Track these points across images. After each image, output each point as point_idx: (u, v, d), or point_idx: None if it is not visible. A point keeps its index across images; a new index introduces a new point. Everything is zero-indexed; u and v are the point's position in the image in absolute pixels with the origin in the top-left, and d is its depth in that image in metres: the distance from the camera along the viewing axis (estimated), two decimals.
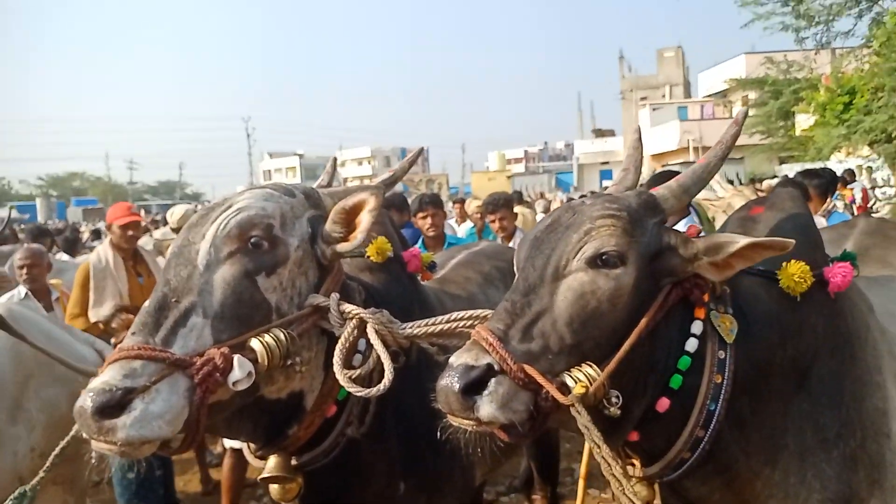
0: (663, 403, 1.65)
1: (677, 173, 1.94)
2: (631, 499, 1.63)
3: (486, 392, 1.47)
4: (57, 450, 1.83)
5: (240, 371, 1.62)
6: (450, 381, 1.49)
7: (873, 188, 13.05)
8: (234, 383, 1.62)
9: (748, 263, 1.62)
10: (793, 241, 1.57)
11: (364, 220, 1.88)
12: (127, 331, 1.68)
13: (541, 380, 1.47)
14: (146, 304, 1.70)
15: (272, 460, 1.95)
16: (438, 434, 2.15)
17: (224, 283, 1.71)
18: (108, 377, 1.52)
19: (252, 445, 2.03)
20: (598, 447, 1.54)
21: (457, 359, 1.53)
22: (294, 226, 1.86)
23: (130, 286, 4.77)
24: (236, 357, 1.63)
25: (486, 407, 1.46)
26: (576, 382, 1.49)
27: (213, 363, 1.59)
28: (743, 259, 1.60)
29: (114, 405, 1.47)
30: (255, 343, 1.69)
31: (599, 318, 1.56)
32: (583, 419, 1.50)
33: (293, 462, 1.98)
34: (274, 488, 1.97)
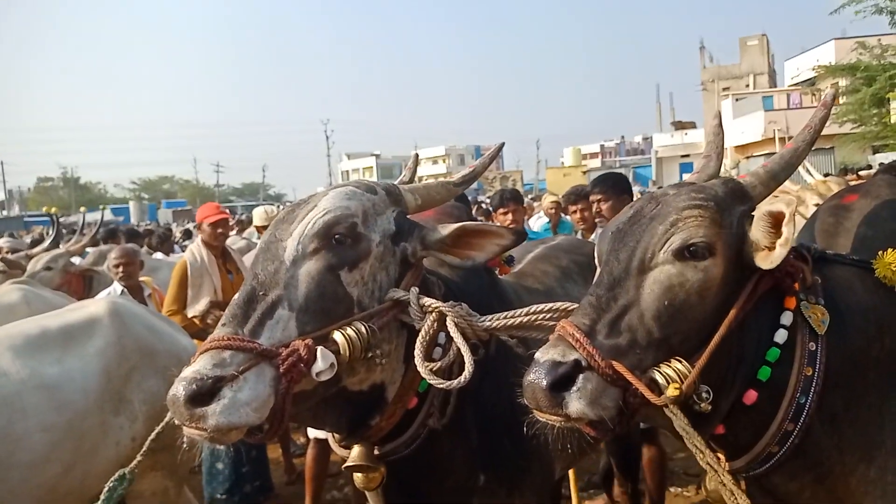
0: (751, 396, 1.61)
1: None
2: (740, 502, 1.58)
3: (574, 388, 1.45)
4: (153, 435, 1.92)
5: (322, 362, 1.67)
6: (537, 377, 1.47)
7: None
8: (317, 374, 1.67)
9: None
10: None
11: (490, 249, 1.97)
12: None
13: (630, 378, 1.45)
14: (235, 296, 1.78)
15: (356, 450, 2.00)
16: (520, 427, 2.17)
17: (309, 277, 1.77)
18: (199, 366, 1.58)
19: (336, 435, 2.09)
20: (702, 452, 1.52)
21: (543, 354, 1.51)
22: (376, 222, 1.91)
23: (222, 283, 4.98)
24: (319, 349, 1.68)
25: (575, 403, 1.44)
26: (665, 379, 1.47)
27: (297, 354, 1.64)
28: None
29: (204, 393, 1.54)
30: (337, 335, 1.74)
31: (688, 311, 1.53)
32: (680, 421, 1.48)
33: (376, 452, 2.02)
34: (357, 477, 2.01)
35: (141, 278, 5.32)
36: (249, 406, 1.57)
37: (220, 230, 5.10)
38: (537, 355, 1.53)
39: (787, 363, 1.61)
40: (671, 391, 1.45)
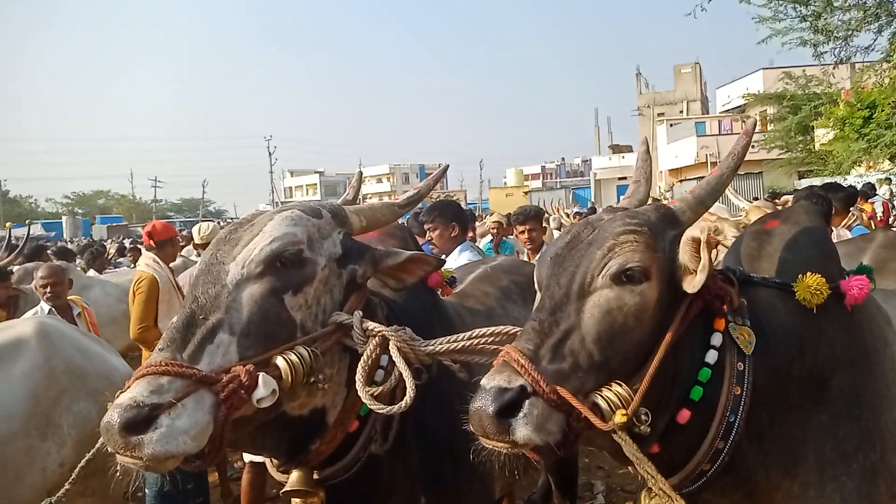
0: (684, 415, 1.65)
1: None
2: None
3: (520, 415, 1.46)
4: (83, 462, 1.87)
5: (264, 389, 1.65)
6: (483, 404, 1.48)
7: (891, 199, 12.86)
8: (258, 401, 1.64)
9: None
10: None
11: (417, 273, 2.07)
12: None
13: (576, 404, 1.47)
14: (174, 319, 1.73)
15: (295, 474, 1.97)
16: (460, 450, 2.18)
17: (251, 300, 1.74)
18: (136, 392, 1.54)
19: (275, 460, 2.05)
20: (653, 478, 1.56)
21: (489, 381, 1.52)
22: (322, 245, 1.90)
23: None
24: (261, 375, 1.65)
25: (522, 429, 1.45)
26: (608, 403, 1.50)
27: (238, 380, 1.61)
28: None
29: (140, 421, 1.49)
30: (279, 361, 1.71)
31: (626, 333, 1.57)
32: (629, 447, 1.51)
33: (315, 476, 1.99)
34: (296, 502, 1.98)
35: (70, 297, 5.14)
36: (187, 434, 1.53)
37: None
38: (483, 382, 1.53)
39: (718, 382, 1.67)
40: (619, 417, 1.48)
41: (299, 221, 1.90)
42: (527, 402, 1.47)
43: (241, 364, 1.66)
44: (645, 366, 1.56)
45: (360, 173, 2.76)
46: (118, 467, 1.57)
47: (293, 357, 1.72)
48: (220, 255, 1.83)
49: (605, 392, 1.52)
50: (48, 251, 10.07)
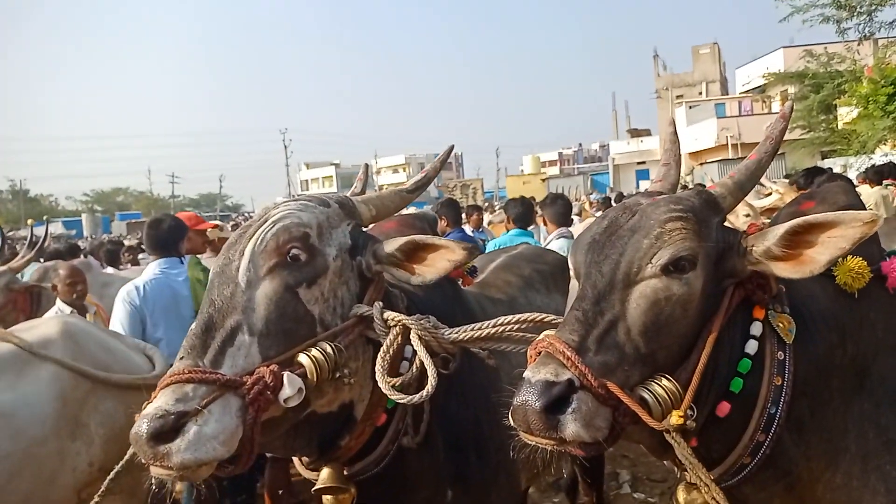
0: (724, 408, 1.60)
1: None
2: None
3: (569, 410, 1.39)
4: (112, 474, 1.86)
5: (290, 388, 1.62)
6: (530, 399, 1.40)
7: None
8: (285, 400, 1.62)
9: (832, 252, 1.50)
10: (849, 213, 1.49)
11: (440, 266, 1.87)
12: None
13: (626, 399, 1.41)
14: (193, 326, 1.71)
15: (325, 471, 1.95)
16: (486, 441, 2.14)
17: (266, 298, 1.72)
18: (161, 402, 1.53)
19: (305, 459, 2.03)
20: (707, 485, 1.51)
21: (534, 374, 1.44)
22: (331, 235, 1.86)
23: None
24: (286, 374, 1.63)
25: (571, 426, 1.38)
26: (656, 398, 1.45)
27: (263, 382, 1.59)
28: (822, 247, 1.51)
29: (168, 430, 1.48)
30: (303, 358, 1.69)
31: (672, 324, 1.51)
32: (683, 450, 1.46)
33: (345, 472, 1.97)
34: (327, 499, 1.96)
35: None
36: (216, 440, 1.52)
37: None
38: (527, 374, 1.47)
39: (758, 373, 1.61)
40: (675, 419, 1.43)
41: (306, 209, 1.88)
42: (575, 396, 1.40)
43: (264, 365, 1.64)
44: (688, 359, 1.51)
45: (367, 165, 2.70)
46: (152, 480, 1.55)
47: (317, 353, 1.69)
48: (231, 254, 1.81)
49: (653, 386, 1.46)
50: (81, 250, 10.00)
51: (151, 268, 4.29)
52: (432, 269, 1.89)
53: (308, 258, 1.79)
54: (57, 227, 32.51)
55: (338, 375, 1.75)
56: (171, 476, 1.51)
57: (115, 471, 1.84)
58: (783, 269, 1.55)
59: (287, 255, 1.76)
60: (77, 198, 79.26)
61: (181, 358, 1.64)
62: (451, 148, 2.55)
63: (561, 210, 5.78)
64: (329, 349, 1.71)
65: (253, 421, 1.58)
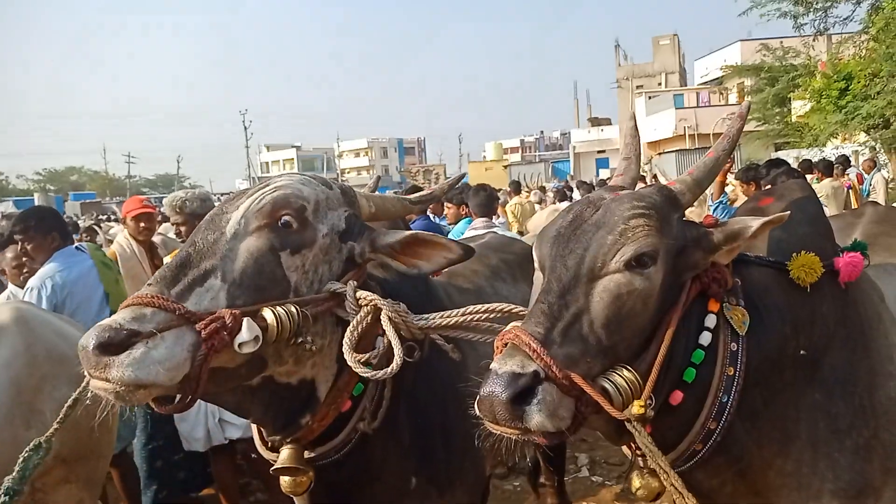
0: (676, 396, 1.64)
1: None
2: None
3: (534, 401, 1.43)
4: (69, 401, 1.88)
5: (248, 333, 1.62)
6: (496, 390, 1.43)
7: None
8: (240, 344, 1.62)
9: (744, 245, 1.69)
10: (787, 213, 1.64)
11: (437, 261, 1.96)
12: None
13: (589, 390, 1.45)
14: (169, 260, 1.71)
15: (285, 452, 1.96)
16: (451, 428, 2.17)
17: (248, 252, 1.74)
18: (117, 317, 1.54)
19: (264, 431, 2.04)
20: (665, 472, 1.55)
21: (500, 366, 1.47)
22: (327, 215, 1.89)
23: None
24: (246, 319, 1.64)
25: (537, 416, 1.42)
26: (616, 388, 1.49)
27: (222, 321, 1.60)
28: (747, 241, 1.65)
29: (116, 343, 1.49)
30: (267, 313, 1.69)
31: (633, 318, 1.56)
32: (643, 439, 1.50)
33: (306, 455, 1.98)
34: (285, 480, 1.97)
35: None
36: (161, 365, 1.52)
37: (143, 224, 4.96)
38: (494, 366, 1.49)
39: (711, 364, 1.66)
40: (636, 409, 1.47)
41: (309, 184, 1.92)
42: (540, 387, 1.44)
43: (228, 311, 1.64)
44: (647, 350, 1.55)
45: (378, 177, 2.79)
46: (89, 393, 1.56)
47: (281, 311, 1.70)
48: (226, 206, 1.84)
49: (614, 376, 1.50)
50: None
51: (52, 266, 4.17)
52: (428, 263, 1.97)
53: (299, 228, 1.81)
54: (7, 207, 31.50)
55: (299, 340, 1.76)
56: (107, 392, 1.51)
57: (73, 397, 1.86)
58: (722, 258, 1.70)
59: (279, 220, 1.79)
60: (29, 176, 77.00)
61: (149, 284, 1.64)
62: (462, 176, 2.62)
63: (484, 201, 5.72)
64: (294, 311, 1.72)
65: (203, 359, 1.58)
